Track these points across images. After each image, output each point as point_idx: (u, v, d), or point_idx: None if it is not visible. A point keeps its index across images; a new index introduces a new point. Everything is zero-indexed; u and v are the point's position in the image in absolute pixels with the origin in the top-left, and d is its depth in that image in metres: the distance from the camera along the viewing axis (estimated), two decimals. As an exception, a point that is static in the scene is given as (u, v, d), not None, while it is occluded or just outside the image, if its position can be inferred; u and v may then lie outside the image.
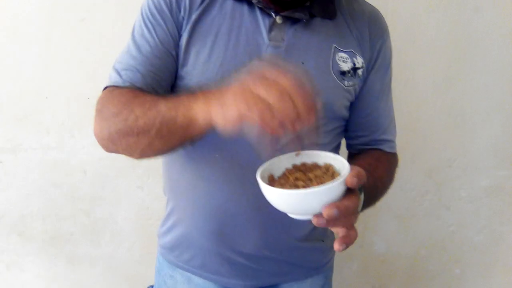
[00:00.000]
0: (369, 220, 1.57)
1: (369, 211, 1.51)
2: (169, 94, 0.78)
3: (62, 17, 1.36)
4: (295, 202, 0.60)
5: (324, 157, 0.69)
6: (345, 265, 1.62)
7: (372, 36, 0.86)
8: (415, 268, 1.63)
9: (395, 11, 1.37)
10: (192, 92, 0.65)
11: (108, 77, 0.80)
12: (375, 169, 0.83)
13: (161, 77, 0.78)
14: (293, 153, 0.69)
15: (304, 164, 0.69)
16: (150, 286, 1.08)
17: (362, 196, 0.68)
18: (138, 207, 1.52)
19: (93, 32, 1.36)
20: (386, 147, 0.93)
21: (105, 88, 0.79)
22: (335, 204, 0.58)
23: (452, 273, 1.63)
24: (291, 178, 0.65)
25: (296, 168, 0.69)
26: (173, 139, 0.67)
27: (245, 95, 0.55)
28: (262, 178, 0.64)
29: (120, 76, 0.77)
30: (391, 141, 0.94)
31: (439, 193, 1.54)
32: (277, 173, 0.69)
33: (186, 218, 0.89)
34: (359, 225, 1.69)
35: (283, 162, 0.69)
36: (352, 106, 0.88)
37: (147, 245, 1.53)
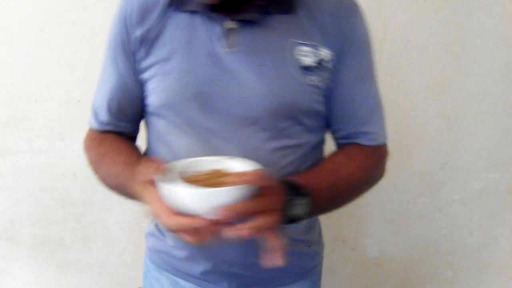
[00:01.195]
0: (362, 223, 1.57)
1: (362, 214, 1.53)
2: (127, 154, 0.84)
3: (52, 19, 1.35)
4: (186, 201, 0.60)
5: (246, 166, 0.68)
6: (338, 269, 1.61)
7: (338, 21, 0.80)
8: (408, 271, 1.63)
9: (388, 16, 1.37)
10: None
11: (90, 114, 0.90)
12: (341, 168, 0.81)
13: (127, 107, 0.86)
14: (222, 157, 0.70)
15: (219, 170, 0.69)
16: None
17: (304, 200, 0.70)
18: (130, 211, 1.50)
19: (84, 35, 1.35)
20: (364, 140, 0.86)
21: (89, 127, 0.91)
22: (227, 207, 0.59)
23: (445, 276, 1.63)
24: (197, 180, 0.66)
25: (211, 172, 0.69)
26: (129, 197, 0.79)
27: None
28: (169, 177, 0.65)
29: (96, 118, 0.88)
30: (372, 133, 0.86)
31: (432, 196, 1.54)
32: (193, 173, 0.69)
33: None
34: (352, 228, 1.69)
35: (206, 164, 0.70)
36: (328, 99, 0.84)
37: (139, 250, 1.51)
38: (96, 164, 0.86)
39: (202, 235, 0.60)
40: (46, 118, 1.43)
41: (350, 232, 1.57)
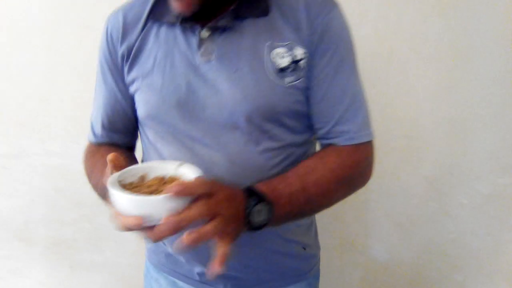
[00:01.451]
0: (370, 227, 1.57)
1: (371, 218, 1.53)
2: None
3: (67, 24, 1.38)
4: (128, 206, 0.61)
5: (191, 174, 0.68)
6: (348, 273, 1.62)
7: (311, 18, 0.78)
8: (417, 274, 1.62)
9: (397, 23, 1.38)
10: None
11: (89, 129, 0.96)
12: (312, 172, 0.79)
13: (119, 120, 0.91)
14: (177, 163, 0.71)
15: (172, 177, 0.70)
16: None
17: (264, 207, 0.70)
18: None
19: (98, 39, 1.38)
20: (341, 140, 0.82)
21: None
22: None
23: (454, 280, 1.62)
24: (144, 186, 0.67)
25: (162, 178, 0.69)
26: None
27: None
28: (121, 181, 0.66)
29: (93, 131, 0.95)
30: (349, 132, 0.82)
31: (440, 200, 1.54)
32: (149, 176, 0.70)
33: None
34: (361, 232, 1.69)
35: (163, 169, 0.71)
36: (307, 98, 0.82)
37: None
38: (88, 175, 0.90)
39: (155, 233, 0.60)
40: (61, 121, 1.46)
41: (359, 235, 1.57)
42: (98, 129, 0.93)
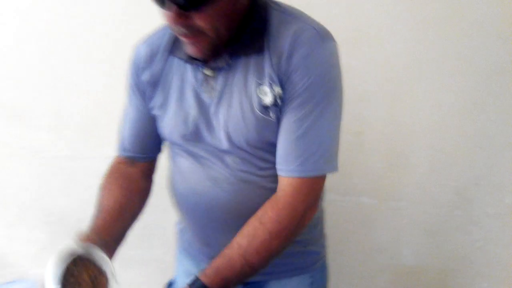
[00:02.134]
0: (399, 233, 1.64)
1: (400, 225, 1.62)
2: (106, 207, 1.03)
3: (131, 36, 1.52)
4: None
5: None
6: (376, 276, 1.69)
7: (288, 54, 0.81)
8: (443, 281, 1.68)
9: (424, 42, 1.46)
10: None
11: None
12: (253, 240, 0.84)
13: (144, 137, 1.03)
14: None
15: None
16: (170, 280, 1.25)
17: None
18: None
19: None
20: (283, 173, 0.86)
21: None
22: None
23: (480, 287, 1.68)
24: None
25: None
26: None
27: None
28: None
29: (120, 145, 1.07)
30: (294, 166, 0.84)
31: (467, 209, 1.60)
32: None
33: (183, 219, 1.10)
34: (390, 238, 1.76)
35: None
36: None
37: None
38: (99, 190, 1.05)
39: None
40: (116, 127, 1.59)
41: (388, 241, 1.66)
42: (126, 144, 1.04)
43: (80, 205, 1.68)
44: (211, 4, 0.74)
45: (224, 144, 0.89)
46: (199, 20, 0.76)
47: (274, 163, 0.89)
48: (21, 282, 0.87)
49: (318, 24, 0.84)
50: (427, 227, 1.63)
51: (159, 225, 1.67)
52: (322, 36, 0.82)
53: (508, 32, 1.44)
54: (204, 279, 0.83)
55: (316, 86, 0.81)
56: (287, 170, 0.85)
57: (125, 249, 1.72)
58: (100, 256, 0.81)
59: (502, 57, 1.46)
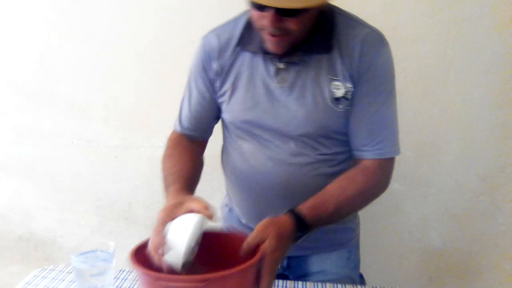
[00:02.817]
0: (428, 218, 1.74)
1: (428, 210, 1.72)
2: (175, 173, 1.04)
3: (174, 41, 1.64)
4: None
5: None
6: (405, 257, 1.79)
7: (361, 57, 0.94)
8: (469, 262, 1.77)
9: (453, 42, 1.54)
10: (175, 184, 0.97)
11: (175, 119, 1.16)
12: (344, 192, 0.96)
13: (203, 118, 1.12)
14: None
15: None
16: None
17: (306, 233, 0.89)
18: (220, 199, 1.76)
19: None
20: (369, 155, 1.00)
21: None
22: None
23: (504, 268, 1.76)
24: None
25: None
26: None
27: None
28: None
29: (180, 122, 1.15)
30: (378, 149, 0.99)
31: (492, 195, 1.68)
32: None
33: (231, 195, 1.19)
34: (419, 222, 1.83)
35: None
36: (348, 121, 1.00)
37: None
38: (164, 158, 1.10)
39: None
40: (165, 118, 1.68)
41: (417, 225, 1.75)
42: (186, 123, 1.13)
43: (129, 191, 1.82)
44: (304, 12, 0.86)
45: (292, 129, 0.99)
46: (291, 24, 0.87)
47: (329, 148, 1.02)
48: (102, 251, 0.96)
49: (376, 28, 0.98)
50: (454, 211, 1.72)
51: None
52: (383, 39, 0.98)
53: None
54: (301, 210, 0.90)
55: (384, 82, 0.98)
56: (371, 153, 1.00)
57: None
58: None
59: None
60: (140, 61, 1.68)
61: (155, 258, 0.78)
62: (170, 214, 0.82)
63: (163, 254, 0.77)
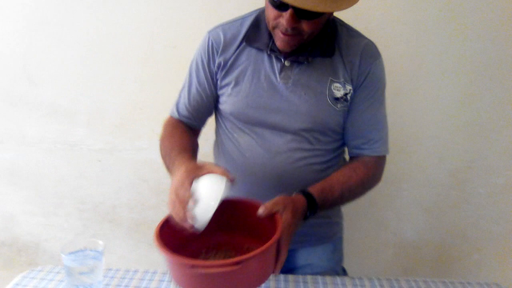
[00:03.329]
0: (401, 212, 1.81)
1: (402, 204, 1.80)
2: (180, 149, 1.06)
3: (157, 47, 1.67)
4: None
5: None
6: (382, 251, 1.87)
7: (362, 65, 1.04)
8: (440, 254, 1.85)
9: (426, 45, 1.62)
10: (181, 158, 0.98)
11: (172, 105, 1.19)
12: (348, 180, 1.06)
13: (200, 108, 1.16)
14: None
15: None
16: None
17: (315, 212, 0.96)
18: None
19: (182, 58, 1.62)
20: (369, 152, 1.11)
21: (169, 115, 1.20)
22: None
23: (473, 259, 1.85)
24: None
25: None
26: (167, 170, 1.04)
27: (169, 198, 0.88)
28: None
29: (177, 109, 1.18)
30: (375, 147, 1.10)
31: (461, 189, 1.76)
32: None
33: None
34: (393, 216, 1.90)
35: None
36: (344, 120, 1.10)
37: None
38: (163, 138, 1.12)
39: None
40: (148, 122, 1.75)
41: (391, 219, 1.83)
42: (184, 110, 1.16)
43: (112, 194, 1.85)
44: (319, 16, 0.93)
45: (293, 123, 1.06)
46: (305, 25, 0.94)
47: (323, 144, 1.09)
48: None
49: (372, 41, 1.09)
50: (426, 205, 1.80)
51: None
52: (378, 50, 1.09)
53: (492, 35, 1.60)
54: (312, 191, 0.98)
55: (379, 88, 1.09)
56: (369, 151, 1.11)
57: (152, 233, 1.88)
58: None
59: (489, 57, 1.62)
60: (122, 66, 1.70)
61: (180, 213, 0.81)
62: (195, 173, 0.85)
63: (189, 209, 0.79)
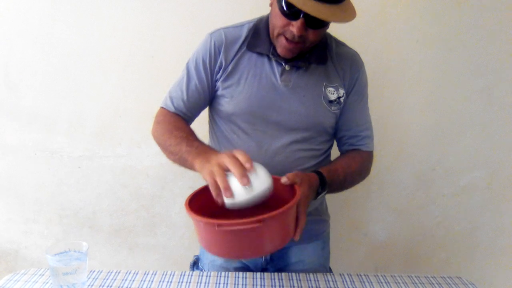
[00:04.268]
0: (371, 213, 1.89)
1: (371, 205, 1.89)
2: (191, 134, 1.09)
3: (136, 55, 1.71)
4: None
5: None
6: (353, 250, 1.93)
7: (352, 72, 1.17)
8: (409, 252, 1.93)
9: (391, 53, 1.70)
10: (198, 147, 1.01)
11: (164, 99, 1.20)
12: (349, 166, 1.16)
13: (196, 105, 1.19)
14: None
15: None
16: (195, 256, 1.39)
17: (323, 192, 1.06)
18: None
19: (160, 67, 1.71)
20: (363, 147, 1.22)
21: (161, 107, 1.21)
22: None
23: (440, 257, 1.93)
24: None
25: None
26: (184, 166, 1.05)
27: (208, 170, 0.89)
28: None
29: (172, 103, 1.18)
30: (367, 143, 1.23)
31: (426, 191, 1.85)
32: None
33: None
34: (363, 217, 1.98)
35: None
36: (337, 121, 1.20)
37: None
38: (168, 133, 1.10)
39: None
40: (128, 129, 1.78)
41: (362, 220, 1.90)
42: (179, 104, 1.17)
43: (92, 200, 1.87)
44: (324, 26, 1.03)
45: (292, 123, 1.13)
46: (311, 34, 1.03)
47: (317, 143, 1.17)
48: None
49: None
50: (394, 206, 1.88)
51: (165, 214, 1.88)
52: (361, 58, 1.22)
53: (451, 44, 1.70)
54: (323, 171, 1.06)
55: (366, 93, 1.23)
56: (364, 147, 1.22)
57: (132, 238, 1.93)
58: None
59: (449, 64, 1.72)
60: (102, 73, 1.73)
61: (224, 183, 0.84)
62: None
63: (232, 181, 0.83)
